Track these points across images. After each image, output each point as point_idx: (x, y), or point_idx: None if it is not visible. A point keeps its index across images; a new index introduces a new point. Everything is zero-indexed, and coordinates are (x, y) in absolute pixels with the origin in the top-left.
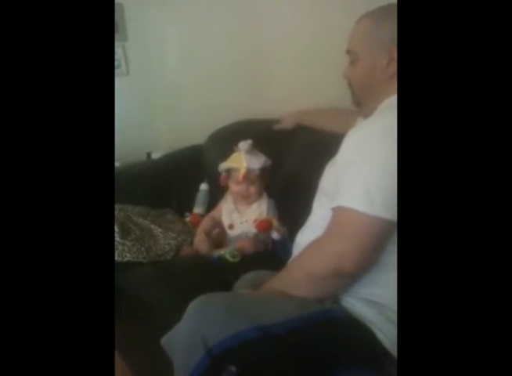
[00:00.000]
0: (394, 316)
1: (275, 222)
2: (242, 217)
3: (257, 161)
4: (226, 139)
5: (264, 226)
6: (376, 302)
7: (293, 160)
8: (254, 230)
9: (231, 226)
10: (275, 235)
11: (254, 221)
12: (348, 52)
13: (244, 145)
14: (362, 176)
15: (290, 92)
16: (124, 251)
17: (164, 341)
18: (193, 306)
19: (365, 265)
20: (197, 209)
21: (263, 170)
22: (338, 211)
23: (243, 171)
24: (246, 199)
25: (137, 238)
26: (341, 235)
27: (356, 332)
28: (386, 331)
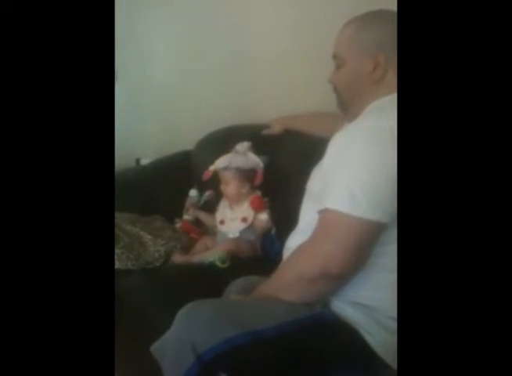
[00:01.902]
0: (384, 319)
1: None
2: (233, 214)
3: (226, 161)
4: (215, 145)
5: (257, 202)
6: (364, 305)
7: (281, 165)
8: (241, 228)
9: (222, 221)
10: (264, 217)
11: (242, 219)
12: (334, 57)
13: (238, 147)
14: (346, 178)
15: (280, 96)
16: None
17: (154, 348)
18: (182, 313)
19: (353, 266)
20: (187, 215)
21: (242, 171)
22: (324, 214)
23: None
24: (227, 199)
25: (126, 245)
26: (327, 237)
27: (345, 335)
28: (374, 334)
